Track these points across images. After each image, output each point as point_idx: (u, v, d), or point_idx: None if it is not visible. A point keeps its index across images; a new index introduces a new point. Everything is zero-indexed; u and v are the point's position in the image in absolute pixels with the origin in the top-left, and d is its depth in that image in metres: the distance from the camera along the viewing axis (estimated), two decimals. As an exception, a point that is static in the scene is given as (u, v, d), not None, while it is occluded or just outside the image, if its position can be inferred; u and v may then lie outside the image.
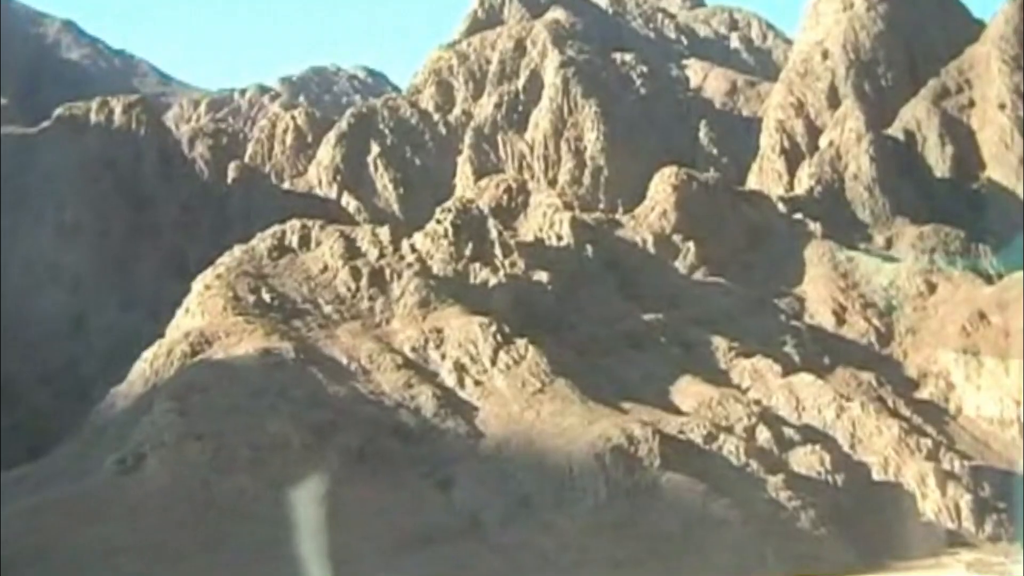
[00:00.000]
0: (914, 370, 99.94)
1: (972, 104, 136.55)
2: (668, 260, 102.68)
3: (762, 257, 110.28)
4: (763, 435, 79.06)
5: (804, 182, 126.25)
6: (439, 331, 77.03)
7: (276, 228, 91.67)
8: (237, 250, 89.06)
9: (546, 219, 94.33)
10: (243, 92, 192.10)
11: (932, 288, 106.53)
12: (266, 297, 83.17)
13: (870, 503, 77.96)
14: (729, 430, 78.95)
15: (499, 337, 76.28)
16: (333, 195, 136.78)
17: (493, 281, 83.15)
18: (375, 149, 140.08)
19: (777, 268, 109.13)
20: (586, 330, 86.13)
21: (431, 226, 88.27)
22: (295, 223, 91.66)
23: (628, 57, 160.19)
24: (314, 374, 76.18)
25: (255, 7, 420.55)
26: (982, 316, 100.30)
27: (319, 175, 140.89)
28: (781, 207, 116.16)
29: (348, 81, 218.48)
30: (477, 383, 74.69)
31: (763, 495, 70.94)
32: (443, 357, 75.52)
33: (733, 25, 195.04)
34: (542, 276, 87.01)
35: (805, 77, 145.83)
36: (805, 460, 78.00)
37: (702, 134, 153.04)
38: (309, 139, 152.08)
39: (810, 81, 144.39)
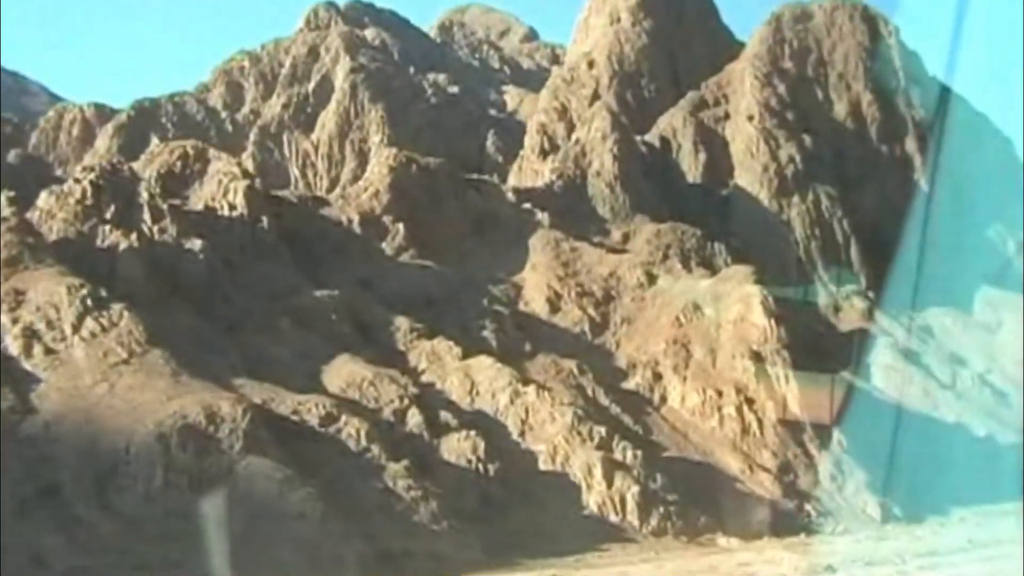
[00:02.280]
0: (624, 360, 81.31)
1: (727, 116, 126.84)
2: (374, 241, 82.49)
3: (485, 244, 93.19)
4: (414, 419, 59.98)
5: (546, 176, 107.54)
6: (20, 293, 55.88)
7: None
8: None
9: (220, 187, 74.49)
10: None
11: (652, 280, 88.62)
12: None
13: (527, 495, 60.91)
14: (376, 412, 59.77)
15: (89, 302, 55.66)
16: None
17: (124, 245, 62.29)
18: (154, 141, 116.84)
19: (500, 256, 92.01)
20: (243, 303, 66.61)
21: (67, 185, 67.42)
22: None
23: (441, 77, 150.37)
24: None
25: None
26: (696, 307, 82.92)
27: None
28: (511, 196, 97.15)
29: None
30: (49, 351, 53.72)
31: (376, 485, 51.15)
32: (14, 322, 54.19)
33: (555, 60, 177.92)
34: (195, 244, 66.42)
35: (571, 84, 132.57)
36: (457, 447, 58.56)
37: (489, 142, 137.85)
38: (97, 131, 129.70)
39: (575, 88, 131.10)
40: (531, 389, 68.94)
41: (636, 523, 62.15)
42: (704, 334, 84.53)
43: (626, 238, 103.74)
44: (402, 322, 74.89)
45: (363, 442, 56.73)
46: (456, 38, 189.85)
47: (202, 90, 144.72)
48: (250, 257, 74.08)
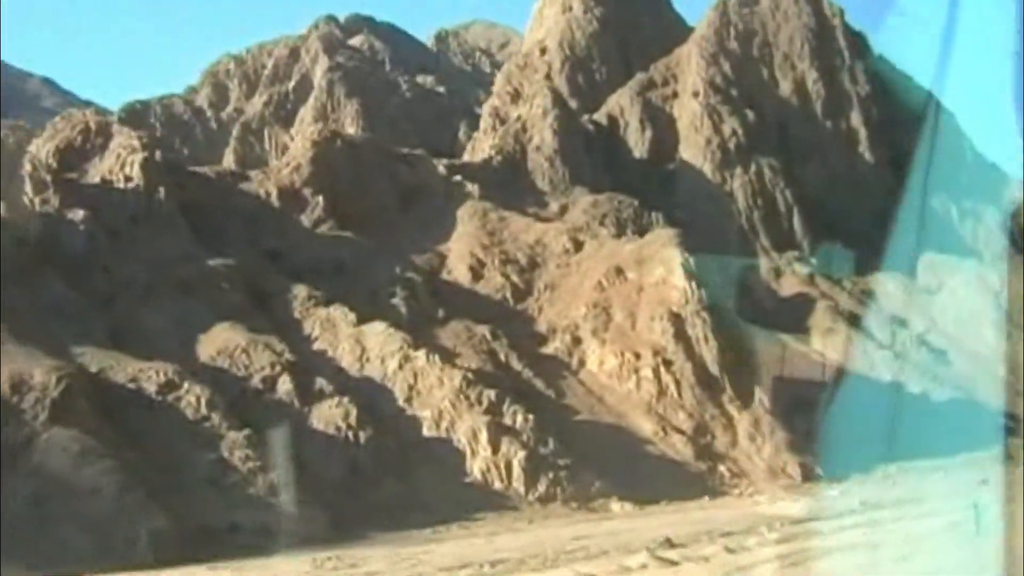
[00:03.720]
0: (545, 325, 71.67)
1: (675, 96, 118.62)
2: (292, 214, 73.22)
3: (412, 217, 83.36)
4: (284, 387, 50.28)
5: (486, 152, 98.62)
6: None
7: None
8: None
9: (118, 160, 65.33)
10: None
11: (579, 246, 79.54)
12: None
13: (404, 463, 51.39)
14: (244, 380, 50.31)
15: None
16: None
17: (-4, 216, 54.09)
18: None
19: (428, 228, 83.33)
20: (125, 274, 57.28)
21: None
22: None
23: (430, 78, 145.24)
24: None
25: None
26: (619, 271, 73.71)
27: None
28: (442, 170, 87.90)
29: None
30: None
31: (209, 456, 41.62)
32: None
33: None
34: (77, 215, 57.18)
35: (524, 70, 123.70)
36: (327, 415, 48.94)
37: (461, 132, 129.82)
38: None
39: (528, 73, 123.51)
40: (421, 354, 60.15)
41: (522, 490, 53.28)
42: (625, 298, 76.00)
43: (563, 209, 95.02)
44: (300, 290, 66.80)
45: (203, 411, 47.42)
46: (451, 47, 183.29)
47: (190, 92, 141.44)
48: (143, 228, 65.16)
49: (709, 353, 71.02)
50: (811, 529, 39.41)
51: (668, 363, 70.37)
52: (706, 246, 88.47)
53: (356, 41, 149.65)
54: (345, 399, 54.14)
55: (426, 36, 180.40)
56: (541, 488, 53.54)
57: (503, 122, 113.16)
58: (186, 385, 49.88)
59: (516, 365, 69.26)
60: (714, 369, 70.61)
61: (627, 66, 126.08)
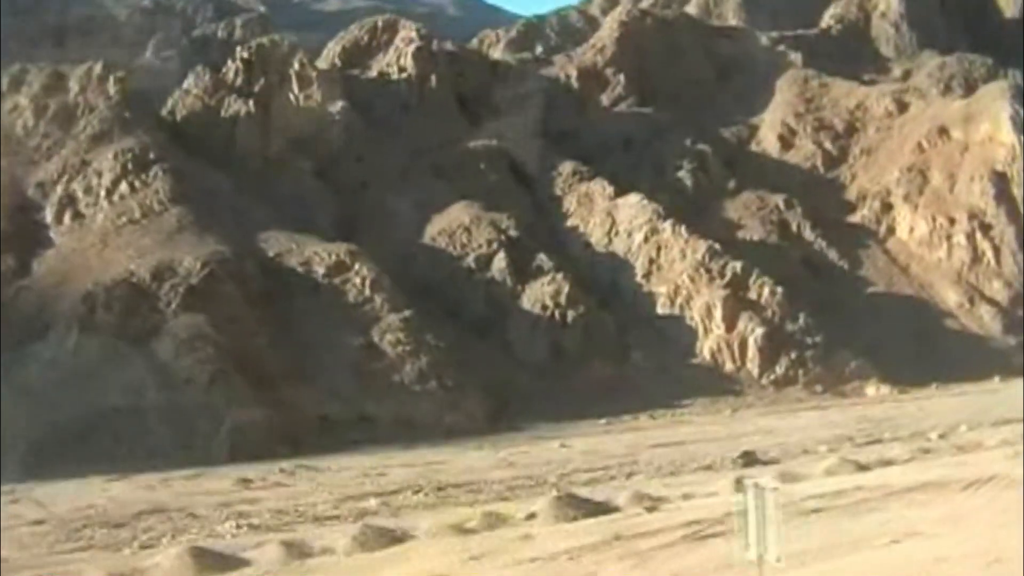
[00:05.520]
0: (855, 193, 64.69)
1: None
2: (593, 94, 70.34)
3: (728, 90, 76.07)
4: (499, 265, 48.25)
5: (825, 22, 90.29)
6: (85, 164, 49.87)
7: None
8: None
9: (396, 53, 64.86)
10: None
11: (904, 108, 70.51)
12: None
13: (622, 344, 46.26)
14: (459, 259, 48.89)
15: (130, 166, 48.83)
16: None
17: (244, 111, 54.96)
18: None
19: (745, 100, 75.49)
20: (381, 161, 56.87)
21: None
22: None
23: None
24: None
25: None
26: (942, 131, 65.54)
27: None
28: (766, 41, 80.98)
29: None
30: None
31: (356, 341, 40.40)
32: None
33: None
34: (336, 106, 57.68)
35: None
36: (538, 293, 46.01)
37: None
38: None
39: None
40: (668, 224, 54.60)
41: (756, 372, 47.22)
42: (947, 159, 66.42)
43: (906, 75, 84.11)
44: (566, 166, 62.47)
45: (367, 292, 45.56)
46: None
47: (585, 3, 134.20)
48: (413, 116, 64.05)
49: (1039, 216, 61.12)
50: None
51: (986, 227, 61.21)
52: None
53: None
54: (560, 275, 50.58)
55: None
56: (780, 370, 47.55)
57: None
58: (357, 266, 48.52)
59: (809, 235, 62.82)
60: (1042, 233, 60.71)
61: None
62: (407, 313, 46.25)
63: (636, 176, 66.00)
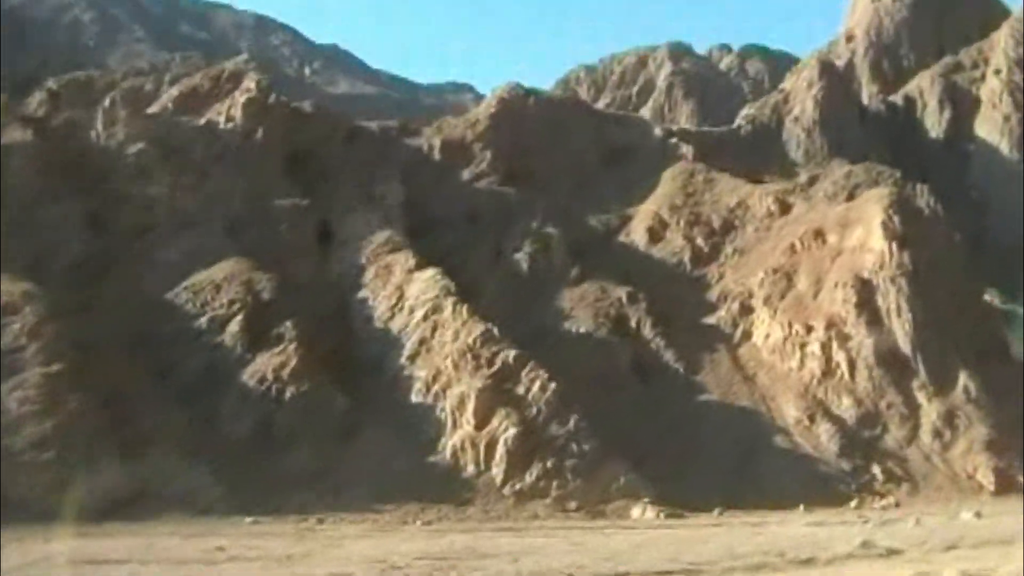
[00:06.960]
0: (718, 292, 58.96)
1: (983, 79, 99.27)
2: (455, 169, 64.30)
3: (612, 178, 72.81)
4: (232, 329, 43.68)
5: (737, 121, 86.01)
6: None
7: None
8: None
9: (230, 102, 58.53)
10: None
11: (786, 209, 68.00)
12: None
13: (338, 431, 42.33)
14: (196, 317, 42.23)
15: None
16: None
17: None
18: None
19: (627, 190, 71.68)
20: (174, 205, 50.43)
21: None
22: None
23: None
24: None
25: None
26: (818, 234, 65.79)
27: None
28: (658, 133, 74.98)
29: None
30: None
31: None
32: None
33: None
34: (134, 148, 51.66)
35: (828, 55, 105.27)
36: (262, 364, 41.20)
37: None
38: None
39: (831, 59, 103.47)
40: (449, 302, 47.56)
41: (499, 479, 39.24)
42: (816, 263, 59.32)
43: (813, 180, 77.60)
44: (380, 236, 55.65)
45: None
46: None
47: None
48: (227, 165, 57.09)
49: (902, 328, 53.77)
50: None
51: (845, 337, 53.82)
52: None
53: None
54: (291, 347, 43.02)
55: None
56: (528, 479, 39.58)
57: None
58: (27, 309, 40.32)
59: (648, 333, 55.38)
60: (906, 347, 53.27)
61: (939, 52, 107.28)
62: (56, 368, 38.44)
63: (469, 254, 59.10)
